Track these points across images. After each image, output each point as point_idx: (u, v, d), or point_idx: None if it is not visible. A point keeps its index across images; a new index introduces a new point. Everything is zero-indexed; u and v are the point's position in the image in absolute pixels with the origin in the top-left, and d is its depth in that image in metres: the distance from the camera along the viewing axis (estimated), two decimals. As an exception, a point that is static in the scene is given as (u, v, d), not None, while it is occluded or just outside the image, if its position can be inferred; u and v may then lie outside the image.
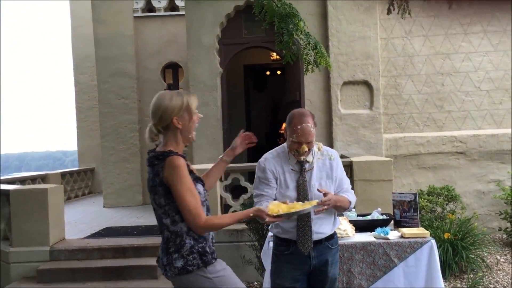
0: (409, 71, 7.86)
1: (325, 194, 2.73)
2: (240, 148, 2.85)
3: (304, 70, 4.87)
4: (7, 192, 6.04)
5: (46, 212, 5.75)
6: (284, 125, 10.85)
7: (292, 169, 2.90)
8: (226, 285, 2.51)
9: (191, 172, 2.52)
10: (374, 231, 4.02)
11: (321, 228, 2.89)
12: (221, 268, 2.54)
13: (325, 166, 2.93)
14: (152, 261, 5.57)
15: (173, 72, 9.46)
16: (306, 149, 2.82)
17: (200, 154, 7.68)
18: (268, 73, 12.49)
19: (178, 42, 9.03)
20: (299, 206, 2.56)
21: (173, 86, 9.42)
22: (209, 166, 6.08)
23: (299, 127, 2.80)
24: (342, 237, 3.88)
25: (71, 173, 10.86)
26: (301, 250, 2.84)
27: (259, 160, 3.01)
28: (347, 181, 3.05)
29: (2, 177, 8.80)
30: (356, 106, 7.67)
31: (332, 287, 2.98)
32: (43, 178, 8.77)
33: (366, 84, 7.66)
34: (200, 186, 2.54)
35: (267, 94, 13.16)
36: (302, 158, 2.86)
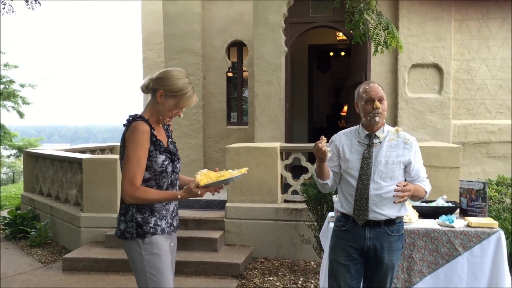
0: (483, 55, 7.47)
1: (404, 186, 2.73)
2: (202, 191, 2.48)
3: (373, 51, 4.76)
4: (79, 160, 6.39)
5: (115, 181, 6.04)
6: (345, 108, 10.68)
7: (360, 142, 2.92)
8: (152, 269, 2.49)
9: (157, 142, 2.52)
10: (438, 218, 3.94)
11: (380, 209, 2.86)
12: (157, 251, 2.50)
13: (398, 148, 2.91)
14: (212, 234, 5.76)
15: (237, 51, 9.51)
16: (379, 105, 2.82)
17: (261, 132, 7.74)
18: (331, 54, 12.31)
19: (244, 20, 9.04)
20: (228, 174, 2.51)
21: (237, 64, 9.49)
22: (270, 144, 6.16)
23: (367, 87, 2.90)
24: (404, 222, 3.81)
25: (137, 146, 11.27)
26: (356, 221, 2.87)
27: None
28: (424, 169, 3.01)
29: (73, 146, 9.30)
30: (424, 90, 7.41)
31: (387, 274, 2.93)
32: (111, 149, 9.17)
33: (436, 67, 7.37)
34: (162, 157, 2.53)
35: (329, 75, 12.99)
36: (376, 119, 2.84)
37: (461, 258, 3.73)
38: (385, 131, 2.93)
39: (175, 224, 2.66)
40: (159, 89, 2.52)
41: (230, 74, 9.45)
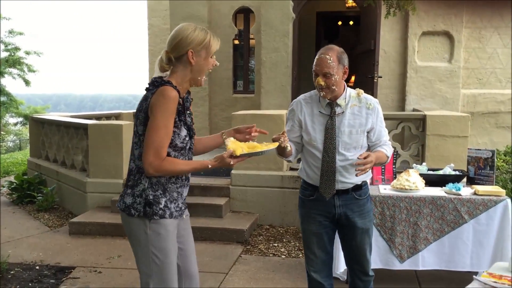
0: (496, 22, 7.29)
1: (365, 157, 2.56)
2: (243, 136, 2.48)
3: (385, 13, 4.63)
4: (85, 126, 6.37)
5: (121, 147, 6.03)
6: (353, 78, 10.38)
7: (321, 112, 2.77)
8: (157, 250, 2.32)
9: (182, 113, 2.33)
10: (445, 186, 3.92)
11: (347, 178, 2.77)
12: (164, 231, 2.32)
13: (361, 114, 2.75)
14: (218, 201, 5.78)
15: (244, 17, 9.34)
16: (322, 82, 2.65)
17: (268, 100, 7.66)
18: (340, 23, 12.08)
19: (251, -15, 8.86)
20: (258, 146, 2.35)
21: (244, 32, 9.33)
22: (276, 112, 6.10)
23: (317, 57, 2.70)
24: (411, 189, 3.81)
25: (142, 114, 11.23)
26: (324, 195, 2.77)
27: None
28: (385, 133, 2.88)
29: (79, 113, 9.29)
30: (434, 58, 7.29)
31: (364, 238, 2.86)
32: (117, 116, 9.14)
33: (447, 35, 7.22)
34: (185, 131, 2.34)
35: (337, 45, 12.77)
36: (322, 94, 2.69)
37: (467, 225, 3.73)
38: (347, 97, 2.77)
39: (183, 208, 2.47)
40: (187, 50, 2.28)
41: (236, 42, 9.31)
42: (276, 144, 2.38)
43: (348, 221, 2.83)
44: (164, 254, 2.33)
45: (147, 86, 2.32)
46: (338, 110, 2.74)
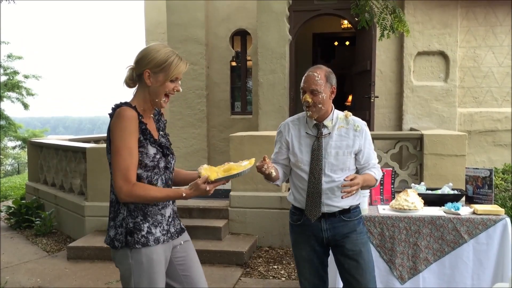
0: (490, 42, 7.39)
1: (352, 179, 2.56)
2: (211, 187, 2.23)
3: (379, 35, 4.69)
4: (83, 149, 6.38)
5: (118, 170, 6.02)
6: (350, 98, 10.46)
7: (308, 133, 2.78)
8: (140, 281, 2.19)
9: (147, 131, 2.23)
10: (444, 205, 3.91)
11: (334, 201, 2.74)
12: (146, 259, 2.19)
13: (348, 136, 2.76)
14: (217, 223, 5.75)
15: (241, 40, 9.44)
16: (309, 99, 2.66)
17: (265, 121, 7.70)
18: (336, 43, 12.21)
19: (248, 8, 8.97)
20: (233, 166, 2.27)
21: (241, 53, 9.43)
22: (274, 133, 6.11)
23: (306, 75, 2.74)
24: (410, 209, 3.80)
25: (140, 136, 11.25)
26: (309, 217, 2.76)
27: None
28: (374, 155, 2.87)
29: (77, 137, 9.30)
30: (429, 77, 7.35)
31: (359, 262, 2.77)
32: (115, 139, 9.16)
33: (442, 54, 7.30)
34: (153, 150, 2.23)
35: (334, 65, 12.88)
36: (308, 113, 2.71)
37: (466, 245, 3.71)
38: (334, 119, 2.78)
39: (172, 230, 2.34)
40: (144, 69, 2.20)
41: (234, 64, 9.39)
42: (253, 161, 2.33)
43: (337, 245, 2.80)
44: (148, 286, 2.20)
45: (110, 112, 2.25)
46: (324, 131, 2.75)
